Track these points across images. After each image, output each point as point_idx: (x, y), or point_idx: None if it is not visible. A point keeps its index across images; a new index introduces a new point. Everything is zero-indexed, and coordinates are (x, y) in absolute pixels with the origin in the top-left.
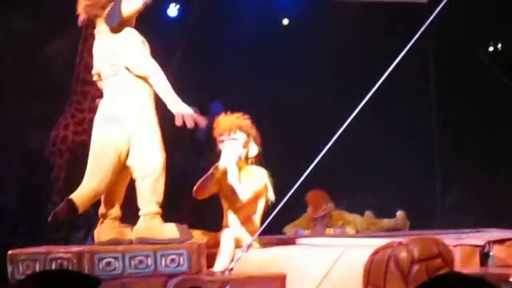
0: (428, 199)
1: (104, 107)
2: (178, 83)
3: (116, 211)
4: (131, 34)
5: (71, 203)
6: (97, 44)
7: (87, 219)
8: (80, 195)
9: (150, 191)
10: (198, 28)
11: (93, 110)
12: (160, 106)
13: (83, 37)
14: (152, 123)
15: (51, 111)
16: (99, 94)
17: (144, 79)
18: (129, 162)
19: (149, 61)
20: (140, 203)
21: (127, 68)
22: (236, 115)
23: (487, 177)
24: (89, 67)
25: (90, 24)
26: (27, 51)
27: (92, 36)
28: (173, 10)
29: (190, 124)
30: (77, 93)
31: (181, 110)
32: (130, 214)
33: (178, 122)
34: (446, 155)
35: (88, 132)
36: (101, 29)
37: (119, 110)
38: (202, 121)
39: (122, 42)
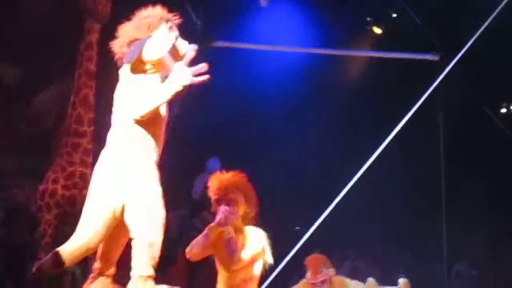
0: (434, 268)
1: (105, 157)
2: (174, 138)
3: (111, 268)
4: (145, 81)
5: (57, 257)
6: (118, 87)
7: (74, 280)
8: (69, 249)
9: (146, 254)
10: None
11: (84, 163)
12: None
13: (76, 87)
14: (154, 180)
15: (39, 164)
16: (91, 147)
17: (150, 126)
18: (126, 220)
19: (136, 103)
20: (135, 263)
21: (134, 119)
22: (232, 173)
23: (499, 248)
24: (81, 118)
25: (83, 73)
26: (15, 102)
27: (86, 86)
28: None
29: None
30: (67, 146)
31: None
32: (119, 275)
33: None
34: (455, 225)
35: (78, 186)
36: (123, 71)
37: (120, 164)
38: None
39: (134, 91)
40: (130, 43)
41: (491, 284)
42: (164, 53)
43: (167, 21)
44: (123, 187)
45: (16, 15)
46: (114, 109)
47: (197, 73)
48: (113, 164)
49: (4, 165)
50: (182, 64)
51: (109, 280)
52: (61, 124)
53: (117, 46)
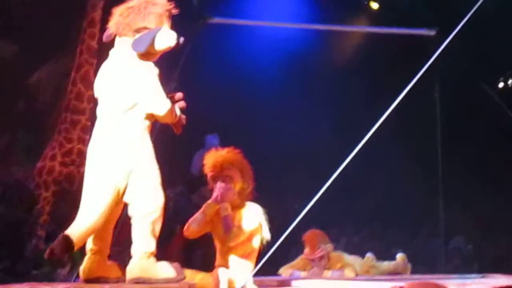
0: (431, 243)
1: (102, 138)
2: None
3: (105, 248)
4: (150, 68)
5: (67, 240)
6: (109, 65)
7: (72, 255)
8: (77, 231)
9: (149, 230)
10: (195, 57)
11: (82, 140)
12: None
13: (77, 64)
14: (152, 159)
15: (37, 141)
16: (89, 125)
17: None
18: (127, 199)
19: (162, 99)
20: (136, 241)
21: (136, 104)
22: (227, 149)
23: (494, 222)
24: (81, 95)
25: (85, 50)
26: (13, 78)
27: (87, 63)
28: None
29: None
30: (66, 122)
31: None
32: (115, 251)
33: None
34: (451, 200)
35: (76, 163)
36: (120, 52)
37: (120, 144)
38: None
39: (139, 76)
40: (138, 30)
41: (487, 257)
42: (173, 44)
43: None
44: (126, 165)
45: None
46: (106, 93)
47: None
48: (113, 143)
49: (1, 142)
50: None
51: (104, 260)
52: (58, 100)
53: (126, 26)
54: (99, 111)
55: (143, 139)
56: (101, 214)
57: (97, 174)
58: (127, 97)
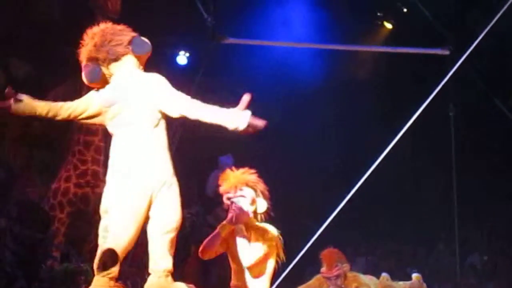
0: (446, 262)
1: (131, 151)
2: (184, 135)
3: (115, 267)
4: (156, 75)
5: (115, 253)
6: (115, 84)
7: (87, 275)
8: (118, 245)
9: (168, 247)
10: (207, 78)
11: (96, 161)
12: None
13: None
14: (173, 174)
15: (52, 162)
16: (102, 145)
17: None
18: (152, 213)
19: (183, 97)
20: (156, 258)
21: (160, 112)
22: (241, 170)
23: (510, 239)
24: None
25: None
26: None
27: None
28: (182, 58)
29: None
30: (80, 143)
31: (241, 123)
32: (130, 272)
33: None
34: (467, 218)
35: (91, 184)
36: (122, 69)
37: (153, 156)
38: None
39: (152, 84)
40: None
41: (503, 275)
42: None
43: None
44: (159, 177)
45: (28, 12)
46: (126, 110)
47: (253, 125)
48: (144, 155)
49: (16, 162)
50: (245, 109)
51: (112, 281)
52: (73, 121)
53: (117, 47)
54: (115, 126)
55: (167, 151)
56: (138, 227)
57: (132, 187)
58: (154, 111)
